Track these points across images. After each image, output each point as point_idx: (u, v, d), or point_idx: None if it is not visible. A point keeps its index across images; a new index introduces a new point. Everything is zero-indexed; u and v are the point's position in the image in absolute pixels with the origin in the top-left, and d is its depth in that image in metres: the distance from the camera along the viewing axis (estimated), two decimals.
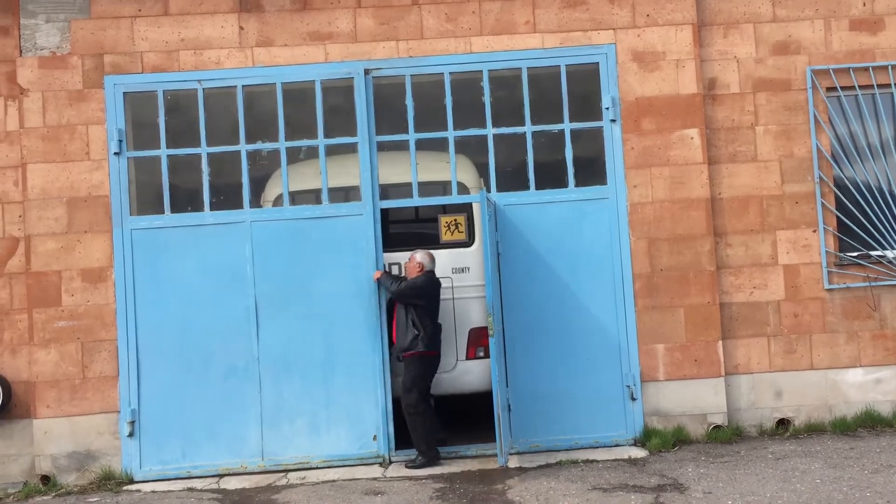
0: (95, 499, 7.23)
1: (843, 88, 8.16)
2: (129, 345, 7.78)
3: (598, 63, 8.00)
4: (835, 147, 8.20)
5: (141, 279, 7.82)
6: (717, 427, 7.80)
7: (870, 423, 7.87)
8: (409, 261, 7.74)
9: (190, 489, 7.36)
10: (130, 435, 7.71)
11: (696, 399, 7.84)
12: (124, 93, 7.91)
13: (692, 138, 7.97)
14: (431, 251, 7.85)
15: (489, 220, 7.42)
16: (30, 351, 7.76)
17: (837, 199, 8.16)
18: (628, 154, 7.96)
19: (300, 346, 7.80)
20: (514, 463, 7.45)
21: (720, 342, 7.89)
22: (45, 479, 7.64)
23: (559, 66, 8.00)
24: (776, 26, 8.13)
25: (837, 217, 8.14)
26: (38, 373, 7.73)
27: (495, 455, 7.37)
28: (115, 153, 7.85)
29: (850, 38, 8.15)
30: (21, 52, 7.87)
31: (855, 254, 8.11)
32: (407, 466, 7.48)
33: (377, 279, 7.70)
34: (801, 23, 8.14)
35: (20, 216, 7.89)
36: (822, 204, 8.08)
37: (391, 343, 7.76)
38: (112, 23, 7.91)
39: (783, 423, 7.95)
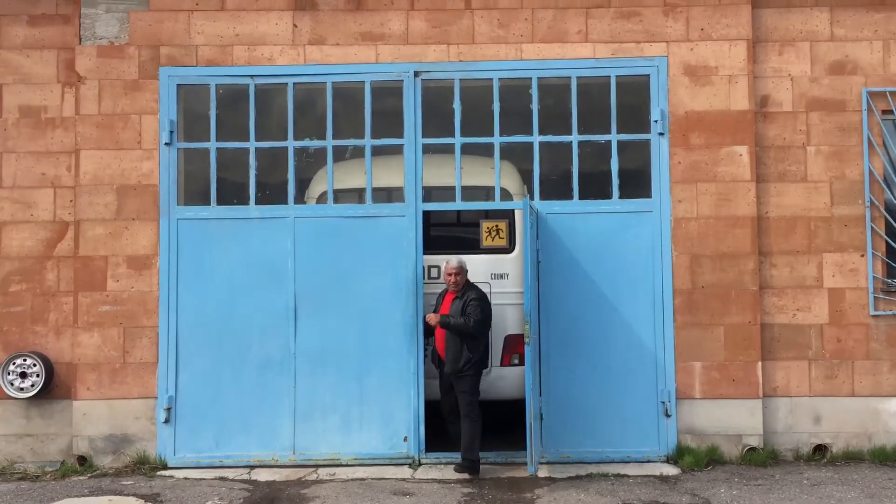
0: (130, 482, 7.36)
1: None
2: (170, 333, 7.89)
3: (648, 75, 7.95)
4: (887, 171, 8.05)
5: (184, 268, 7.92)
6: (752, 449, 7.69)
7: None
8: (456, 270, 7.48)
9: (222, 478, 7.45)
10: (166, 421, 7.83)
11: (731, 419, 7.75)
12: (178, 85, 8.04)
13: (741, 155, 7.88)
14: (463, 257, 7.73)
15: (531, 228, 7.41)
16: (73, 333, 7.92)
17: (888, 223, 8.01)
18: (675, 168, 7.90)
19: (336, 343, 7.84)
20: (543, 473, 7.42)
21: (759, 363, 7.78)
22: (82, 459, 7.79)
23: (609, 76, 7.97)
24: (833, 45, 8.01)
25: (887, 242, 7.99)
26: (81, 355, 7.87)
27: (525, 463, 7.35)
28: (166, 144, 7.97)
29: None
30: (80, 40, 8.04)
31: None
32: (456, 470, 7.38)
33: (434, 323, 7.49)
34: (858, 43, 8.01)
35: (71, 201, 8.05)
36: (872, 228, 7.94)
37: (437, 355, 7.72)
38: (170, 15, 8.04)
39: (820, 448, 7.82)
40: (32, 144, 8.11)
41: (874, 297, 7.89)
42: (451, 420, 7.68)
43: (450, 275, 7.51)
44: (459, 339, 7.41)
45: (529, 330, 7.14)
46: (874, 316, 7.88)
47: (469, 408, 7.41)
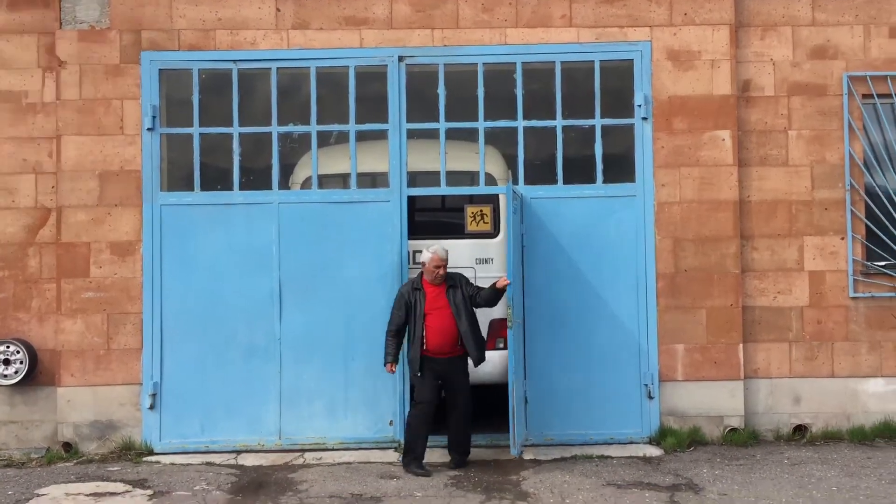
0: (116, 468, 7.36)
1: (879, 96, 8.07)
2: (154, 319, 7.86)
3: (632, 60, 7.96)
4: (868, 155, 8.12)
5: (168, 255, 7.89)
6: (734, 430, 7.79)
7: (888, 434, 7.83)
8: (445, 261, 7.11)
9: (208, 463, 7.46)
10: (151, 407, 7.81)
11: (713, 401, 7.83)
12: (160, 69, 7.96)
13: (723, 140, 7.93)
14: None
15: (514, 213, 7.42)
16: (56, 320, 7.88)
17: (867, 207, 8.09)
18: (658, 153, 7.93)
19: (322, 329, 7.84)
20: (528, 455, 7.49)
21: (741, 345, 7.86)
22: (67, 446, 7.78)
23: (593, 61, 7.98)
24: (815, 30, 8.06)
25: (866, 225, 8.07)
26: (64, 342, 7.84)
27: (509, 446, 7.37)
28: (149, 129, 7.91)
29: (890, 46, 8.06)
30: (61, 24, 7.94)
31: (882, 263, 8.04)
32: (456, 466, 7.20)
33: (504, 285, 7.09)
34: (840, 28, 8.06)
35: (53, 187, 7.97)
36: (852, 211, 8.02)
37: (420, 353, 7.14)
38: None
39: (800, 429, 7.93)
40: (13, 130, 8.01)
41: (854, 279, 7.99)
42: (428, 418, 7.13)
43: (438, 267, 7.07)
44: (474, 324, 7.17)
45: (512, 314, 7.16)
46: (853, 298, 7.98)
47: (469, 399, 7.23)
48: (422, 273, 7.18)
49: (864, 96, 8.07)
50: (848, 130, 8.03)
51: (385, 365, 7.17)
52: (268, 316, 7.87)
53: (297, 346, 7.87)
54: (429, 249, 7.18)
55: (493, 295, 7.13)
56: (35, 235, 8.00)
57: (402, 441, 7.42)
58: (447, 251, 7.24)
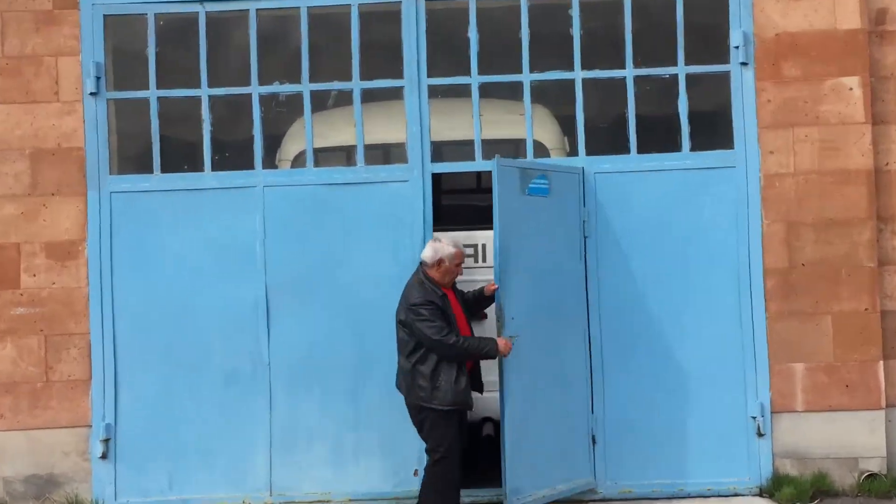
0: None
1: None
2: (105, 341, 6.69)
3: None
4: None
5: (121, 256, 6.72)
6: (872, 475, 6.47)
7: None
8: (460, 252, 5.88)
9: None
10: (103, 456, 6.61)
11: (844, 437, 6.50)
12: (104, 15, 6.77)
13: (851, 89, 6.53)
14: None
15: (500, 199, 5.85)
16: None
17: None
18: (763, 109, 6.55)
19: (323, 348, 6.65)
20: None
21: (881, 363, 6.49)
22: None
23: None
24: None
25: None
26: None
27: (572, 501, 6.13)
28: (92, 93, 6.71)
29: None
30: None
31: None
32: None
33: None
34: None
35: None
36: None
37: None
38: None
39: None
40: None
41: None
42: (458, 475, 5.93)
43: (461, 264, 5.81)
44: None
45: (504, 327, 5.74)
46: None
47: None
48: (426, 274, 5.77)
49: None
50: None
51: (499, 342, 5.72)
52: (252, 332, 6.67)
53: (290, 370, 6.68)
54: (446, 242, 5.80)
55: (480, 302, 6.09)
56: None
57: None
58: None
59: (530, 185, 6.16)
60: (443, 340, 5.51)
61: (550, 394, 6.21)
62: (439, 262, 5.64)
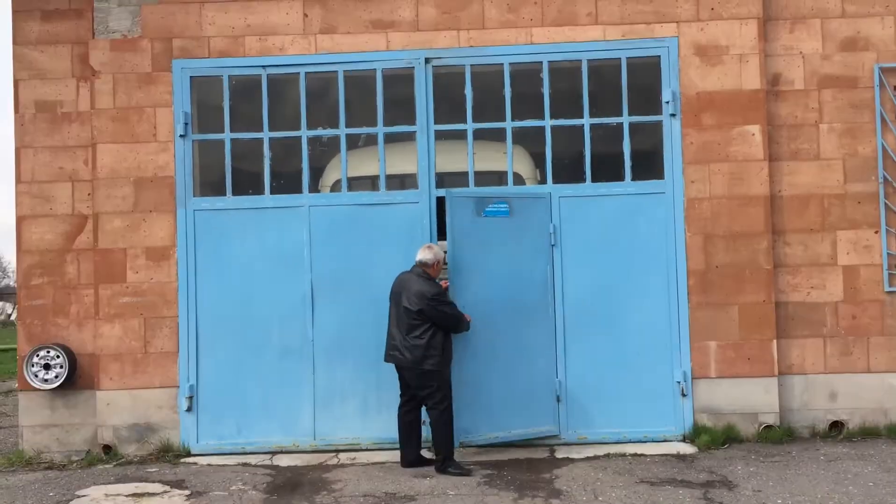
0: (154, 469, 7.48)
1: None
2: (190, 322, 7.97)
3: (659, 56, 7.94)
4: None
5: (202, 259, 7.99)
6: (769, 427, 7.72)
7: None
8: (443, 259, 7.28)
9: (244, 464, 7.56)
10: (188, 410, 7.92)
11: (747, 398, 7.77)
12: (191, 77, 8.09)
13: (753, 135, 7.87)
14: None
15: (453, 221, 7.32)
16: (95, 325, 8.01)
17: None
18: (687, 149, 7.90)
19: (354, 330, 7.87)
20: (561, 454, 7.51)
21: (774, 341, 7.79)
22: (107, 448, 7.92)
23: (620, 58, 7.95)
24: (844, 22, 7.98)
25: None
26: (103, 346, 7.97)
27: (542, 446, 7.54)
28: (181, 136, 8.03)
29: None
30: (94, 34, 8.09)
31: None
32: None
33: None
34: (870, 19, 7.98)
35: (89, 194, 8.13)
36: (886, 204, 7.92)
37: None
38: (181, 7, 8.07)
39: (836, 425, 7.84)
40: (49, 139, 8.18)
41: (889, 273, 7.90)
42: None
43: (443, 266, 7.30)
44: None
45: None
46: (889, 292, 7.89)
47: None
48: (426, 272, 7.11)
49: None
50: (880, 122, 7.94)
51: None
52: (300, 318, 7.94)
53: (329, 347, 7.93)
54: (438, 249, 7.22)
55: None
56: (73, 242, 8.16)
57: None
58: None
59: (487, 209, 7.51)
60: (461, 316, 7.04)
61: (511, 363, 7.57)
62: (436, 263, 7.15)
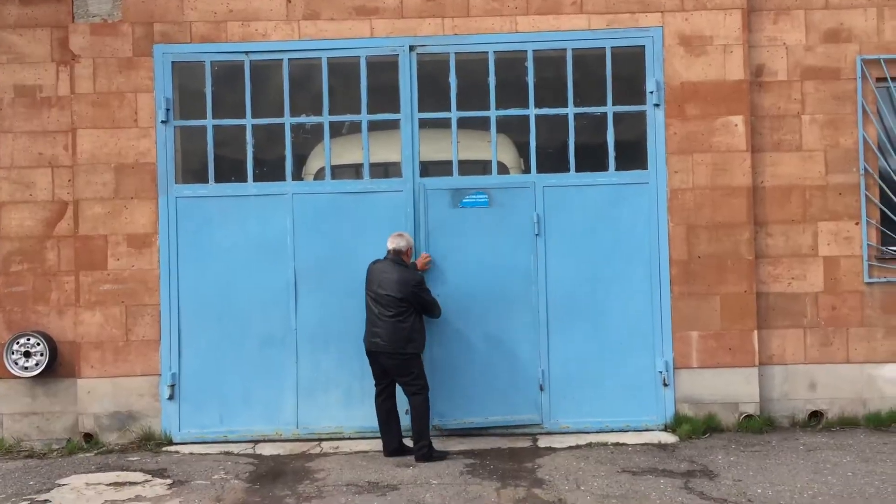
0: (136, 458, 7.45)
1: (893, 79, 8.02)
2: (172, 310, 7.91)
3: (643, 46, 7.92)
4: (882, 139, 8.07)
5: (184, 246, 7.93)
6: (749, 416, 7.78)
7: None
8: (409, 248, 7.41)
9: (227, 453, 7.55)
10: (170, 398, 7.87)
11: (728, 388, 7.82)
12: (172, 62, 7.98)
13: (736, 125, 7.89)
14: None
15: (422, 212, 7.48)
16: (76, 312, 7.95)
17: (882, 191, 8.04)
18: (670, 139, 7.91)
19: (337, 319, 7.84)
20: (544, 443, 7.54)
21: (755, 332, 7.85)
22: (88, 436, 7.87)
23: (604, 48, 7.94)
24: (828, 13, 8.00)
25: (881, 210, 8.03)
26: (84, 334, 7.92)
27: (524, 434, 7.60)
28: (163, 121, 7.94)
29: None
30: (73, 18, 7.96)
31: None
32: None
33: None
34: (853, 10, 8.00)
35: (69, 180, 8.05)
36: (867, 196, 7.98)
37: None
38: None
39: (816, 415, 7.91)
40: (29, 124, 8.09)
41: (868, 264, 7.96)
42: None
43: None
44: None
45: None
46: (868, 283, 7.95)
47: None
48: (402, 260, 7.24)
49: (878, 80, 8.00)
50: (862, 114, 7.98)
51: None
52: (283, 306, 7.90)
53: (312, 335, 7.90)
54: (403, 236, 7.35)
55: None
56: (53, 229, 8.08)
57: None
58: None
59: (464, 200, 7.61)
60: (437, 303, 7.20)
61: (492, 352, 7.67)
62: (409, 249, 7.29)
